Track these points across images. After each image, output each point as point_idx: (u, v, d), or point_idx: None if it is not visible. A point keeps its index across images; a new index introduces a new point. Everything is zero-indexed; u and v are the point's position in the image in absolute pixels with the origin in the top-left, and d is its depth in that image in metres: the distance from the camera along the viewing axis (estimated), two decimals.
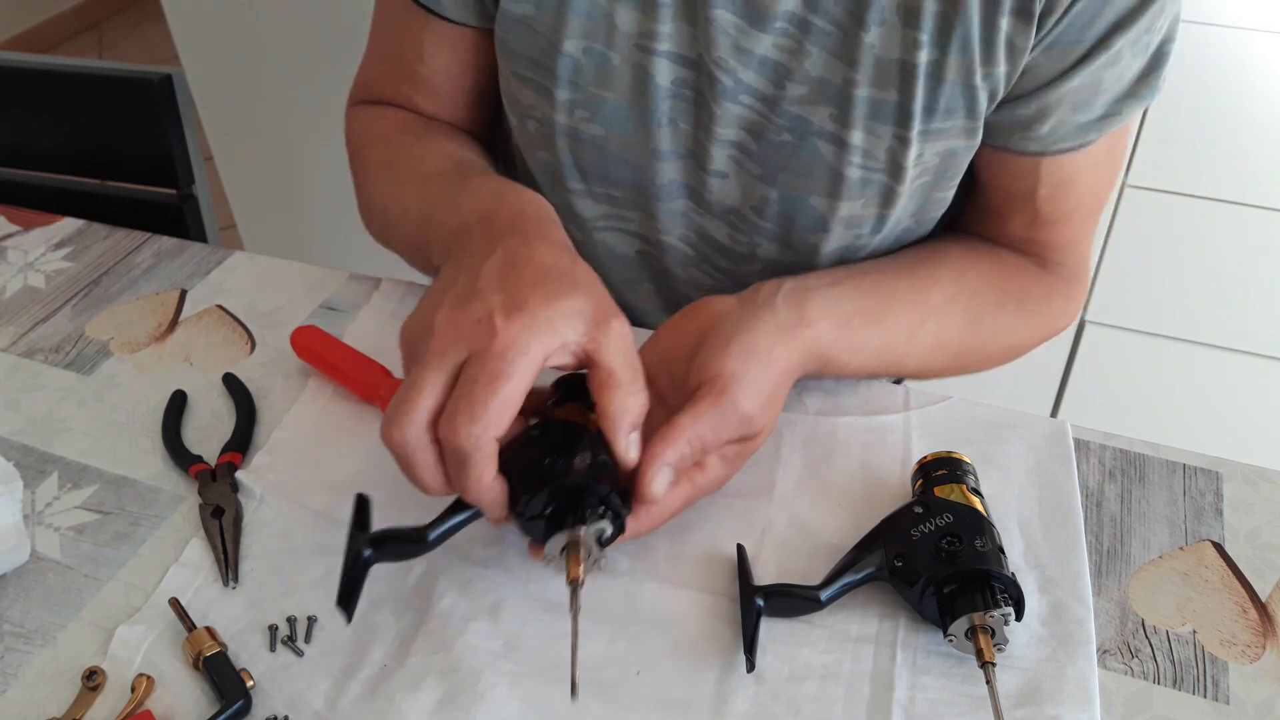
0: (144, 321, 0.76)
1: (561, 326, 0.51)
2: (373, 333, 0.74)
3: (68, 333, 0.75)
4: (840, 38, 0.62)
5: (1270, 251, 1.42)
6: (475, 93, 0.78)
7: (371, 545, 0.51)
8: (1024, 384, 1.65)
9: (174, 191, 1.11)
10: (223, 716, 0.50)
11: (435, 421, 0.50)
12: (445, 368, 0.50)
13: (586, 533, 0.50)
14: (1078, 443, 0.65)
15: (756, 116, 0.66)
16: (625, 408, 0.52)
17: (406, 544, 0.52)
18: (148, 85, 1.04)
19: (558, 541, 0.51)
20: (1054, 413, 1.66)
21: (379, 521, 0.60)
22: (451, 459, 0.49)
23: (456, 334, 0.50)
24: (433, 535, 0.52)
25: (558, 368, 0.52)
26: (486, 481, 0.50)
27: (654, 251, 0.77)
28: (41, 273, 0.81)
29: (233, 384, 0.69)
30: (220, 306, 0.77)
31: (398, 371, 0.67)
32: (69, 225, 0.86)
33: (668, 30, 0.64)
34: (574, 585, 0.49)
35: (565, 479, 0.50)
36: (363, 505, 0.52)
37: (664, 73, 0.66)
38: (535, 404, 0.53)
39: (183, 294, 0.79)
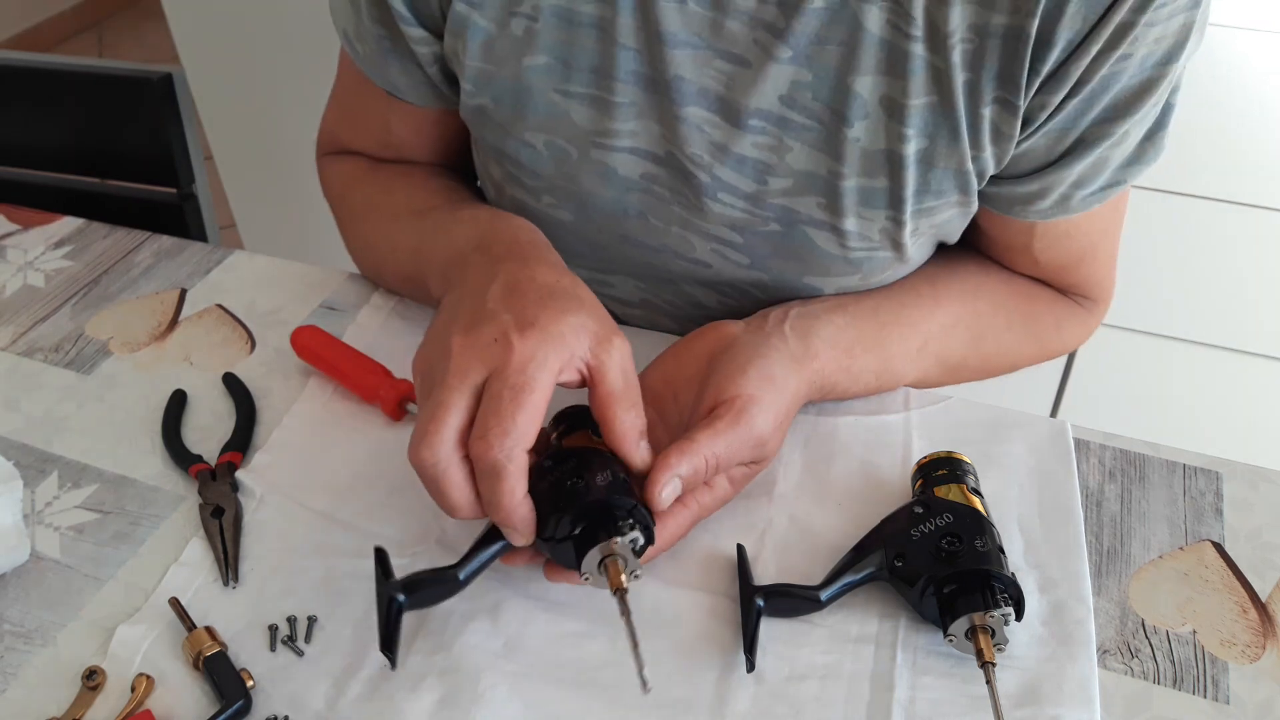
0: (144, 321, 0.76)
1: (571, 341, 0.52)
2: (373, 333, 0.74)
3: (67, 332, 0.75)
4: (822, 133, 0.60)
5: (1270, 251, 1.42)
6: (447, 155, 0.78)
7: (405, 591, 0.50)
8: (1024, 384, 1.64)
9: (174, 191, 1.11)
10: (223, 716, 0.50)
11: (462, 441, 0.51)
12: (467, 388, 0.51)
13: (620, 544, 0.50)
14: (1078, 443, 0.65)
15: (740, 214, 0.65)
16: (629, 422, 0.53)
17: (439, 586, 0.52)
18: (147, 84, 1.04)
19: (593, 557, 0.51)
20: (1054, 413, 1.66)
21: (384, 522, 0.60)
22: (485, 475, 0.50)
23: (474, 355, 0.51)
24: (464, 574, 0.52)
25: (564, 385, 0.53)
26: (520, 495, 0.50)
27: (641, 314, 0.77)
28: (41, 272, 0.81)
29: (233, 384, 0.69)
30: (220, 306, 0.77)
31: (398, 372, 0.67)
32: (69, 224, 0.86)
33: (629, 128, 0.63)
34: (620, 593, 0.50)
35: (590, 497, 0.51)
36: (382, 556, 0.52)
37: (628, 166, 0.65)
38: (540, 444, 0.54)
39: (182, 293, 0.79)
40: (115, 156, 1.12)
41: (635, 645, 0.48)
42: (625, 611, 0.49)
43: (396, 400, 0.66)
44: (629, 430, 0.53)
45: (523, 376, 0.50)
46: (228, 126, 1.83)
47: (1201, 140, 1.35)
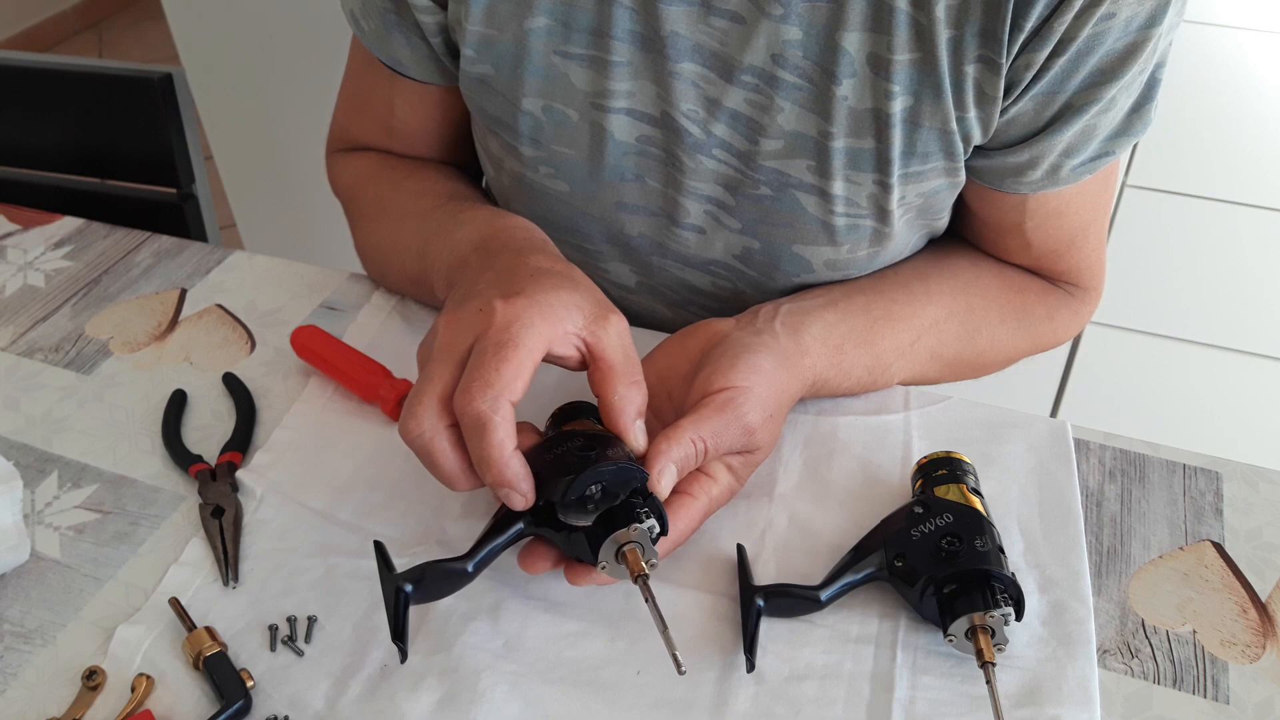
0: (144, 321, 0.76)
1: (561, 313, 0.52)
2: (373, 333, 0.74)
3: (67, 332, 0.75)
4: (812, 92, 0.61)
5: (1270, 251, 1.42)
6: (450, 141, 0.78)
7: (411, 582, 0.49)
8: (1024, 384, 1.65)
9: (174, 191, 1.11)
10: (223, 716, 0.50)
11: (447, 409, 0.50)
12: (451, 358, 0.51)
13: (638, 530, 0.50)
14: (1078, 443, 0.65)
15: (733, 172, 0.65)
16: (629, 398, 0.53)
17: (448, 578, 0.51)
18: (148, 84, 1.04)
19: (610, 547, 0.50)
20: (1054, 413, 1.66)
21: (384, 522, 0.60)
22: (471, 430, 0.49)
23: (458, 327, 0.51)
24: (473, 565, 0.51)
25: (559, 360, 0.53)
26: (510, 448, 0.49)
27: (635, 298, 0.78)
28: (41, 272, 0.81)
29: (233, 384, 0.69)
30: (220, 306, 0.77)
31: (398, 371, 0.67)
32: (69, 224, 0.86)
33: (625, 88, 0.64)
34: (642, 579, 0.50)
35: (602, 463, 0.50)
36: (382, 550, 0.51)
37: (624, 129, 0.65)
38: (536, 439, 0.54)
39: (182, 293, 0.79)
40: (115, 156, 1.12)
41: (665, 629, 0.48)
42: (649, 597, 0.49)
43: (396, 400, 0.66)
44: (625, 406, 0.53)
45: (507, 334, 0.49)
46: (228, 126, 1.83)
47: (1202, 140, 1.35)
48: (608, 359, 0.53)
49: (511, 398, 0.49)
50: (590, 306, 0.53)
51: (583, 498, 0.51)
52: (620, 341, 0.53)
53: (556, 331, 0.51)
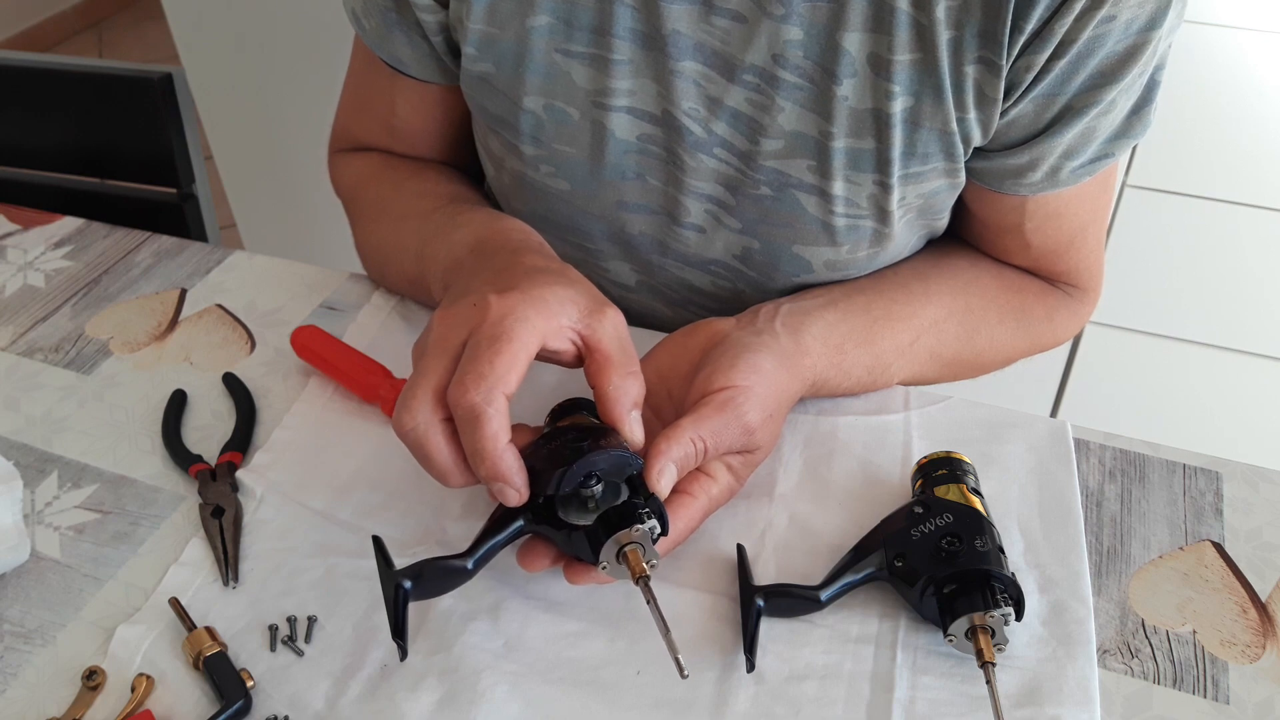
0: (144, 321, 0.76)
1: (555, 307, 0.52)
2: (373, 333, 0.74)
3: (67, 332, 0.75)
4: (813, 91, 0.61)
5: (1270, 251, 1.42)
6: (451, 141, 0.79)
7: (411, 579, 0.49)
8: (1024, 384, 1.65)
9: (174, 191, 1.11)
10: (223, 716, 0.50)
11: (442, 402, 0.50)
12: (446, 352, 0.51)
13: (640, 531, 0.50)
14: (1078, 443, 0.65)
15: (733, 171, 0.66)
16: (624, 389, 0.53)
17: (448, 575, 0.51)
18: (148, 84, 1.04)
19: (611, 547, 0.50)
20: (1054, 413, 1.66)
21: (384, 522, 0.60)
22: (465, 422, 0.49)
23: (453, 321, 0.52)
24: (472, 562, 0.50)
25: (554, 355, 0.53)
26: (504, 442, 0.49)
27: (635, 298, 0.78)
28: (41, 272, 0.81)
29: (233, 384, 0.69)
30: (220, 306, 0.77)
31: (398, 371, 0.67)
32: (69, 224, 0.86)
33: (626, 86, 0.64)
34: (643, 580, 0.50)
35: (594, 453, 0.50)
36: (380, 545, 0.51)
37: (625, 128, 0.65)
38: (533, 436, 0.54)
39: (183, 293, 0.79)
40: (115, 156, 1.12)
41: (667, 632, 0.48)
42: (651, 598, 0.49)
43: (396, 400, 0.66)
44: (620, 397, 0.52)
45: (501, 328, 0.50)
46: (228, 126, 1.83)
47: (1202, 140, 1.35)
48: (603, 350, 0.53)
49: (505, 390, 0.49)
50: (586, 301, 0.54)
51: (583, 496, 0.51)
52: (616, 333, 0.53)
53: (551, 325, 0.51)
